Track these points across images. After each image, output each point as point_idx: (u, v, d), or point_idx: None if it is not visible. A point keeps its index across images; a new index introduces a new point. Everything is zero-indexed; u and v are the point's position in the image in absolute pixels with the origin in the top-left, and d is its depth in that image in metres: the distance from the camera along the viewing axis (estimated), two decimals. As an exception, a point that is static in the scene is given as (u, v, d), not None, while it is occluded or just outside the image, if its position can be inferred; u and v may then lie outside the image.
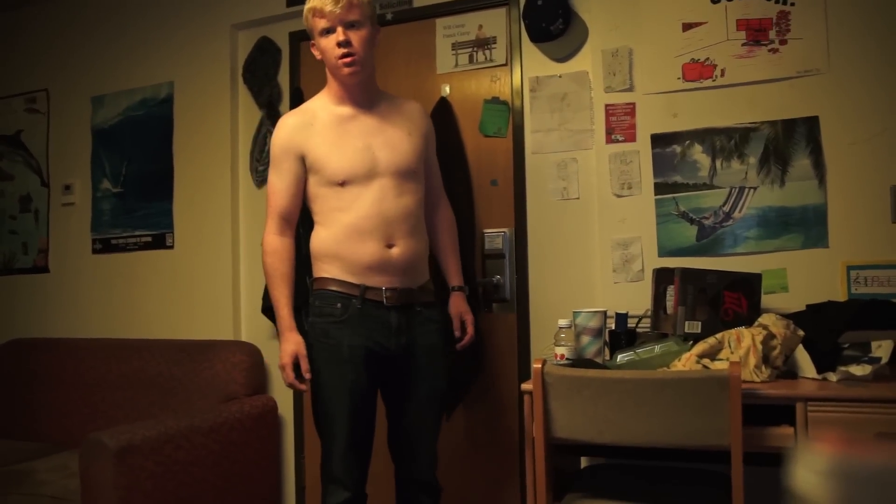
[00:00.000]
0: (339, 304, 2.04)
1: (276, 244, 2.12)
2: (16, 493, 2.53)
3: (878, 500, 0.39)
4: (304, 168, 2.09)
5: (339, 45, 2.02)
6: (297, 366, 2.05)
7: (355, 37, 2.03)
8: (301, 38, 3.07)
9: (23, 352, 3.39)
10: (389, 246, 2.05)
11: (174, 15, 3.29)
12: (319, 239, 2.10)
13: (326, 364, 2.05)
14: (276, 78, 3.11)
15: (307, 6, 2.06)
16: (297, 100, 3.03)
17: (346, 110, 2.12)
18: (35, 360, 3.31)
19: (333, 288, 2.06)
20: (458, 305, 2.30)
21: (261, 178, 3.13)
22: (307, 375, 2.05)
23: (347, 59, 2.03)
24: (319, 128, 2.09)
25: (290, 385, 2.07)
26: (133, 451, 2.29)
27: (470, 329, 2.28)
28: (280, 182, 2.11)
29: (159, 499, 2.36)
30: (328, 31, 2.03)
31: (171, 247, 3.28)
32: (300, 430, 3.04)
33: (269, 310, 2.96)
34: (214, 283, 3.17)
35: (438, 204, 2.32)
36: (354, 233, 2.03)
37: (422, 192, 2.17)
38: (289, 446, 3.07)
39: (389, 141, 2.10)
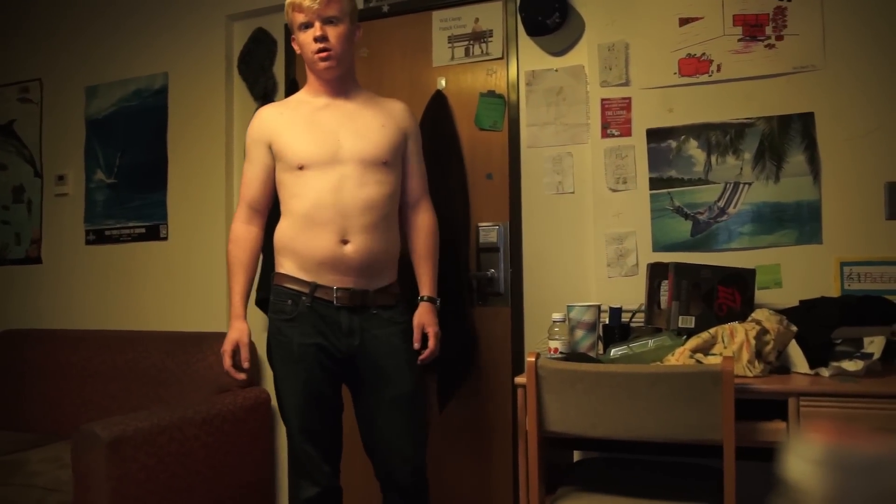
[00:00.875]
0: (289, 301, 2.04)
1: (240, 232, 2.14)
2: (8, 484, 2.53)
3: (870, 489, 0.39)
4: (273, 157, 2.10)
5: (316, 40, 2.02)
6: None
7: (332, 32, 2.03)
8: (297, 30, 3.07)
9: (15, 343, 3.38)
10: (344, 242, 2.00)
11: (169, 5, 3.28)
12: (279, 230, 2.09)
13: (281, 361, 2.06)
14: (271, 69, 3.10)
15: (288, 0, 2.07)
16: (293, 91, 3.02)
17: (321, 101, 2.12)
18: (28, 352, 3.31)
19: (286, 284, 2.05)
20: (421, 316, 2.16)
21: (255, 170, 3.12)
22: (245, 365, 2.08)
23: (323, 55, 2.04)
24: (290, 115, 2.10)
25: (227, 372, 2.09)
26: (126, 443, 2.29)
27: (431, 343, 2.15)
28: (250, 171, 2.14)
29: (152, 490, 2.36)
30: (306, 25, 2.04)
31: (165, 238, 3.27)
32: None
33: (262, 301, 2.96)
34: (208, 275, 3.16)
35: (418, 206, 2.23)
36: (308, 223, 2.00)
37: (391, 188, 2.09)
38: (282, 438, 3.06)
39: (359, 130, 2.08)
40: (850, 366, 1.81)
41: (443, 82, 2.79)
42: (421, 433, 2.13)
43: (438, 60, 2.81)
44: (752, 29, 2.34)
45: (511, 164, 2.68)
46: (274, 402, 2.99)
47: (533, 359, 1.80)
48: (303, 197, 2.02)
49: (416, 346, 2.14)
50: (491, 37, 2.74)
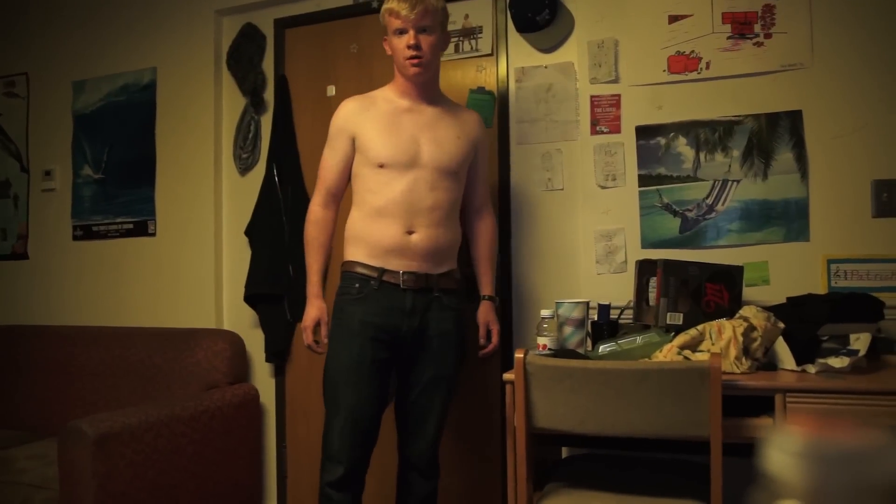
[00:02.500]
0: (357, 285, 2.14)
1: (319, 215, 2.27)
2: (-7, 481, 2.51)
3: (850, 482, 0.39)
4: (354, 149, 2.21)
5: (409, 47, 2.12)
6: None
7: (425, 41, 2.13)
8: (286, 25, 3.05)
9: (2, 339, 3.35)
10: (409, 232, 2.12)
11: (158, 0, 3.25)
12: (351, 220, 2.20)
13: (338, 338, 2.15)
14: (260, 65, 3.09)
15: (385, 6, 2.16)
16: (282, 87, 3.02)
17: (405, 103, 2.22)
18: (14, 348, 3.28)
19: (356, 270, 2.16)
20: (485, 314, 2.33)
21: (244, 166, 3.11)
22: (324, 340, 2.20)
23: (414, 61, 2.14)
24: (375, 113, 2.20)
25: (308, 347, 2.23)
26: (112, 439, 2.28)
27: (495, 339, 2.32)
28: (331, 158, 2.24)
29: (139, 487, 2.35)
30: (401, 31, 2.13)
31: (153, 234, 3.25)
32: (282, 418, 3.03)
33: (252, 298, 2.96)
34: (197, 271, 3.15)
35: (482, 211, 2.37)
36: (379, 215, 2.13)
37: (457, 193, 2.23)
38: (270, 435, 3.06)
39: (437, 138, 2.19)
40: (837, 362, 1.82)
41: (432, 78, 2.79)
42: (445, 415, 2.24)
43: (428, 56, 2.80)
44: (741, 27, 2.35)
45: (500, 160, 2.68)
46: (263, 398, 3.00)
47: (521, 355, 1.80)
48: (378, 193, 2.14)
49: (482, 341, 2.31)
50: (480, 33, 2.73)
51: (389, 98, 2.23)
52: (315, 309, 2.22)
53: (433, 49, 2.15)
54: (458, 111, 2.31)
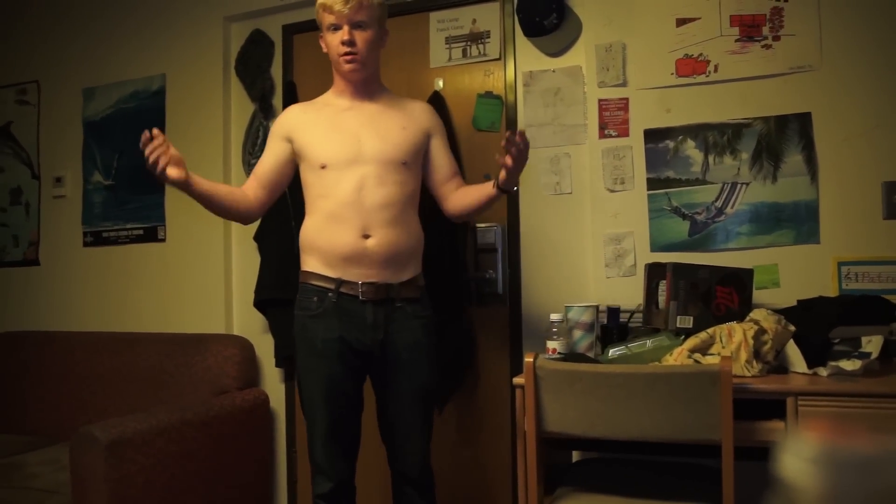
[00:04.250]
0: (315, 298, 2.07)
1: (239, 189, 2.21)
2: (6, 487, 2.52)
3: (865, 488, 0.39)
4: (291, 151, 2.17)
5: (343, 43, 2.06)
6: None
7: (360, 37, 2.08)
8: (294, 31, 3.06)
9: (13, 345, 3.37)
10: (366, 236, 2.04)
11: (166, 7, 3.27)
12: (304, 229, 2.15)
13: (304, 356, 2.10)
14: (268, 71, 3.10)
15: (319, 1, 2.10)
16: (291, 93, 3.03)
17: (344, 103, 2.17)
18: (26, 354, 3.30)
19: (312, 282, 2.09)
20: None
21: (253, 172, 3.12)
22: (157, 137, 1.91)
23: (348, 57, 2.08)
24: (314, 116, 2.16)
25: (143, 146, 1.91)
26: (124, 445, 2.29)
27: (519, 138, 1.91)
28: (264, 156, 2.22)
29: (150, 492, 2.36)
30: (335, 27, 2.08)
31: (163, 240, 3.27)
32: (292, 423, 3.04)
33: (261, 303, 2.97)
34: (206, 277, 3.16)
35: (455, 180, 2.24)
36: (332, 220, 2.06)
37: (411, 188, 2.14)
38: (280, 440, 3.07)
39: (380, 131, 2.12)
40: (848, 365, 1.81)
41: (440, 83, 2.79)
42: (429, 426, 2.17)
43: (436, 61, 2.81)
44: (749, 29, 2.35)
45: (509, 164, 2.67)
46: (273, 403, 3.01)
47: (531, 359, 1.80)
48: (326, 196, 2.08)
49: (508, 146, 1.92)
50: (488, 38, 2.74)
51: (329, 101, 2.19)
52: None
53: (369, 45, 2.09)
54: (403, 103, 2.23)
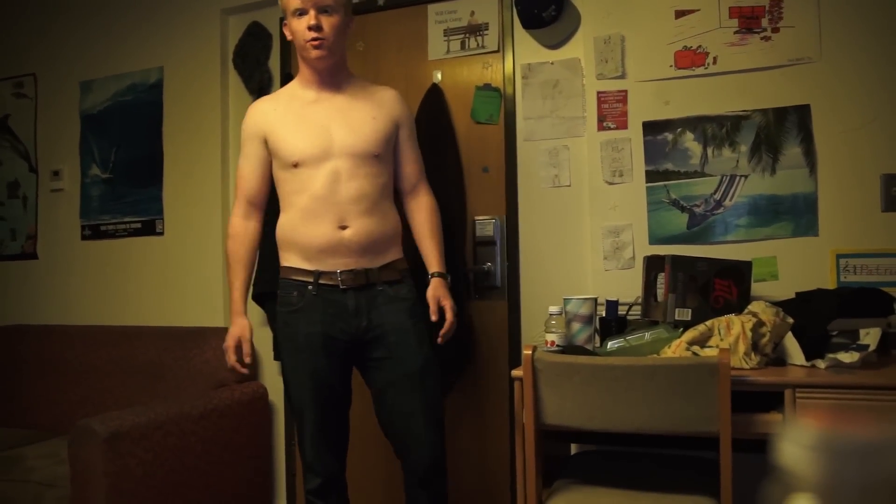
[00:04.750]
0: (295, 293, 2.06)
1: (239, 228, 2.16)
2: (5, 480, 2.53)
3: (864, 475, 0.39)
4: (268, 151, 2.12)
5: (310, 28, 2.02)
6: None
7: (327, 22, 2.04)
8: (292, 24, 3.05)
9: (11, 339, 3.37)
10: (342, 227, 2.02)
11: (164, -1, 3.27)
12: (280, 225, 2.12)
13: (288, 352, 2.08)
14: (266, 63, 3.09)
15: None
16: (288, 86, 3.02)
17: (311, 94, 2.13)
18: (24, 347, 3.30)
19: (291, 276, 2.08)
20: (434, 290, 2.14)
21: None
22: (247, 359, 2.11)
23: (315, 42, 2.04)
24: (282, 111, 2.12)
25: (231, 368, 2.13)
26: (123, 438, 2.29)
27: (449, 315, 2.12)
28: (246, 165, 2.16)
29: (149, 485, 2.36)
30: (301, 12, 2.04)
31: (161, 233, 3.26)
32: (290, 416, 3.04)
33: (259, 296, 2.96)
34: (205, 270, 3.15)
35: (416, 190, 2.23)
36: (308, 215, 2.03)
37: (384, 178, 2.11)
38: (279, 433, 3.07)
39: (349, 123, 2.09)
40: (847, 357, 1.82)
41: (439, 76, 2.79)
42: (433, 412, 2.08)
43: (434, 54, 2.80)
44: (748, 21, 2.34)
45: (507, 157, 2.67)
46: (272, 396, 3.01)
47: (529, 352, 1.80)
48: (300, 192, 2.05)
49: (434, 318, 2.12)
50: (487, 30, 2.73)
51: (295, 93, 2.14)
52: (237, 327, 2.10)
53: (336, 30, 2.04)
54: (372, 91, 2.18)
